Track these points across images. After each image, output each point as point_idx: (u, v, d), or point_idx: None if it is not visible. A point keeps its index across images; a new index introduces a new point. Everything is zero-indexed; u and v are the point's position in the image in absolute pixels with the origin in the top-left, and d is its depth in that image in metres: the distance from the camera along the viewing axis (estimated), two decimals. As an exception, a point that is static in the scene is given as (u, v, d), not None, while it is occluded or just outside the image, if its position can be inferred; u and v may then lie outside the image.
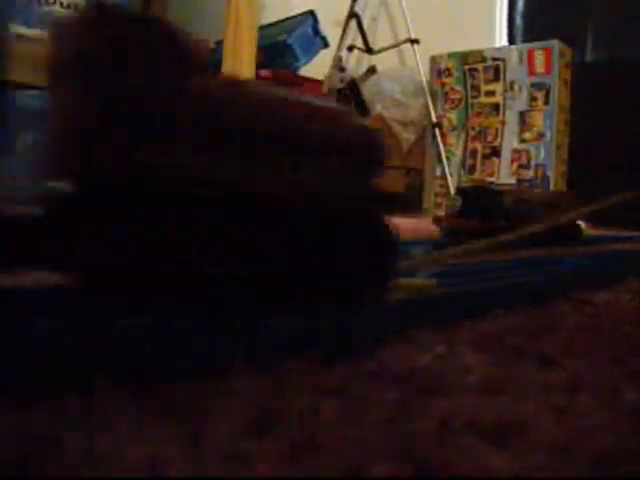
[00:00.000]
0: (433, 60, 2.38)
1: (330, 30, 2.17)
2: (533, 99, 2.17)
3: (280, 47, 1.96)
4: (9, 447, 0.15)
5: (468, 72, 2.30)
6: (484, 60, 2.27)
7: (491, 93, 2.25)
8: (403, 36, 2.26)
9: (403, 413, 0.19)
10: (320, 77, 2.02)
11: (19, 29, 1.43)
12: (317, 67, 2.03)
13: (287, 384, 0.21)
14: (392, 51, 2.36)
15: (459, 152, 2.32)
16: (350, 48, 2.29)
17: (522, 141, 2.19)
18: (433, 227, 1.02)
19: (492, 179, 2.21)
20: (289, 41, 1.95)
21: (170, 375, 0.20)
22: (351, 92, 2.11)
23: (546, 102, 2.14)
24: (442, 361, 0.25)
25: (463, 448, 0.17)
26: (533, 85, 2.16)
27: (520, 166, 2.19)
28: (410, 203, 0.85)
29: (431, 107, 2.18)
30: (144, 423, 0.17)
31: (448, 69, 2.35)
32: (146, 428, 0.16)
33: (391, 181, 2.36)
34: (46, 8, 1.47)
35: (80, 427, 0.16)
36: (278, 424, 0.17)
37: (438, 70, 2.37)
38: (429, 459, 0.16)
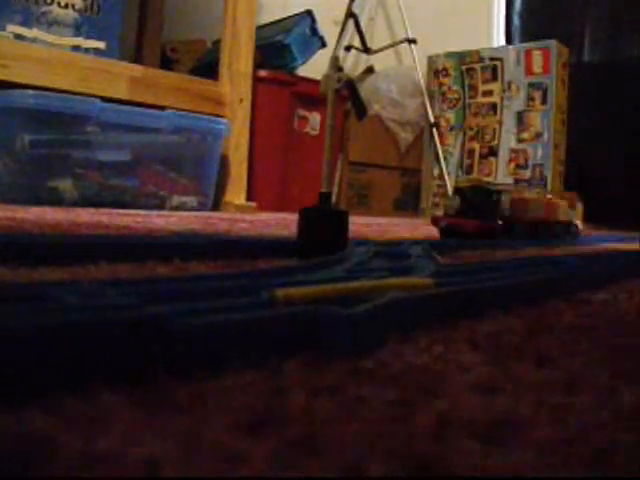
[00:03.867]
0: (430, 60, 2.38)
1: (328, 30, 2.17)
2: (530, 99, 2.17)
3: (278, 47, 1.96)
4: (6, 447, 0.15)
5: (465, 72, 2.30)
6: (482, 60, 2.27)
7: (489, 93, 2.26)
8: (401, 36, 2.26)
9: (401, 412, 0.19)
10: (317, 77, 2.03)
11: (17, 29, 1.42)
12: (314, 67, 2.03)
13: (285, 382, 0.21)
14: (389, 51, 2.37)
15: (457, 152, 2.32)
16: (348, 48, 2.30)
17: (519, 141, 2.19)
18: (432, 227, 1.02)
19: (489, 179, 2.21)
20: (287, 41, 1.95)
21: (169, 374, 0.20)
22: (348, 92, 2.11)
23: (543, 102, 2.15)
24: (440, 360, 0.25)
25: (461, 448, 0.17)
26: (531, 85, 2.17)
27: (517, 166, 2.19)
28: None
29: (428, 107, 2.18)
30: (142, 423, 0.17)
31: (445, 69, 2.35)
32: (144, 428, 0.16)
33: (388, 181, 2.36)
34: (44, 8, 1.46)
35: (78, 427, 0.16)
36: (276, 423, 0.17)
37: (435, 70, 2.37)
38: (427, 458, 0.16)
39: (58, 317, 0.19)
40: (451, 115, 2.34)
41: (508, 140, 2.21)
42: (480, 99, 2.28)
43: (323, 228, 0.58)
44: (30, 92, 1.30)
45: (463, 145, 2.32)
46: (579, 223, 1.20)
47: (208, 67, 1.91)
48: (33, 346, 0.18)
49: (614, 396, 0.22)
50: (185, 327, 0.21)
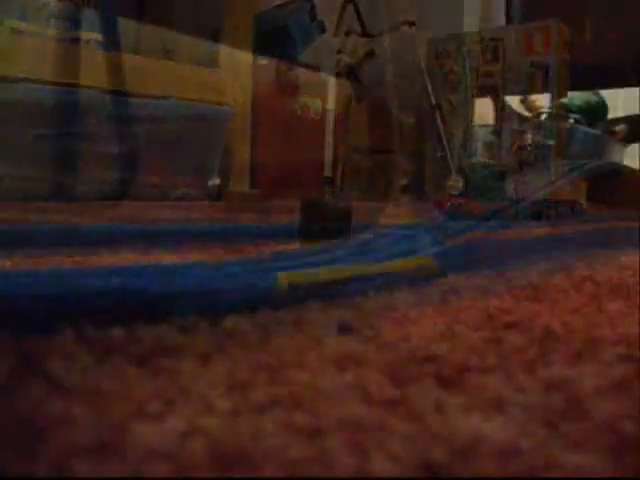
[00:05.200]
0: (431, 42, 2.37)
1: (327, 15, 2.16)
2: (532, 79, 2.15)
3: (277, 34, 1.95)
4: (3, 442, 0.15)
5: (466, 53, 2.29)
6: (482, 41, 2.25)
7: (490, 74, 2.24)
8: (401, 19, 2.24)
9: (402, 405, 0.19)
10: (317, 62, 2.02)
11: (15, 23, 1.42)
12: (314, 53, 2.02)
13: (286, 361, 0.21)
14: (389, 34, 2.35)
15: (459, 134, 2.31)
16: (347, 33, 2.28)
17: (521, 122, 2.18)
18: (435, 210, 1.02)
19: (492, 160, 2.20)
20: (286, 27, 1.94)
21: (170, 355, 0.20)
22: (348, 76, 2.10)
23: (545, 82, 2.13)
24: (442, 340, 0.25)
25: (463, 444, 0.17)
26: (532, 65, 2.15)
27: (520, 147, 2.18)
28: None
29: (430, 89, 2.17)
30: (144, 412, 0.17)
31: (446, 51, 2.34)
32: (144, 417, 0.17)
33: (391, 165, 2.35)
34: (42, 1, 1.46)
35: (76, 417, 0.16)
36: (279, 403, 0.18)
37: (436, 52, 2.36)
38: (429, 456, 0.16)
39: (73, 299, 0.19)
40: (452, 97, 2.33)
41: (510, 121, 2.20)
42: (482, 80, 2.27)
43: (326, 214, 0.58)
44: (31, 86, 1.30)
45: (465, 126, 2.31)
46: (583, 202, 1.20)
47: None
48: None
49: (616, 368, 0.22)
50: (191, 307, 0.21)
